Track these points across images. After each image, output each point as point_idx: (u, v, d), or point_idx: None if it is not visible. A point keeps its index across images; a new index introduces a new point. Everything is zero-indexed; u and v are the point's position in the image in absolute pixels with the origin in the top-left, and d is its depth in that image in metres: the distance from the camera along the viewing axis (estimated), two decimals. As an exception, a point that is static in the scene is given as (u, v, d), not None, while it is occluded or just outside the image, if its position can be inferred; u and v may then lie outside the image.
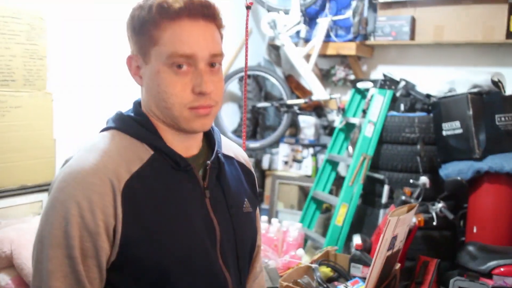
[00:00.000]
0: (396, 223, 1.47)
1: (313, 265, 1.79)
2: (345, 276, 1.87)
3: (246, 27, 1.24)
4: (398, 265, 1.76)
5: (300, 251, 1.91)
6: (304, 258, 1.94)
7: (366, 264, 1.82)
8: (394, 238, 1.53)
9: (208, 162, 1.00)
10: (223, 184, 1.03)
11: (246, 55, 1.21)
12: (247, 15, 1.34)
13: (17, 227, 1.92)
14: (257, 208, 1.18)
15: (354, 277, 1.85)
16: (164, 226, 0.90)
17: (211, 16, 0.92)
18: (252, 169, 1.18)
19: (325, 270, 1.85)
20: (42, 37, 2.17)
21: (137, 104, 1.00)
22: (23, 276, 1.78)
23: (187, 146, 0.99)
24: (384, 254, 1.49)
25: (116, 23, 2.53)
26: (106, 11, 2.52)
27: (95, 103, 2.47)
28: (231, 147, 1.14)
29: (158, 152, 0.94)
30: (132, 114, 0.98)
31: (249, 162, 1.19)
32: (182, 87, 0.89)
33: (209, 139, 1.06)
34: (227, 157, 1.09)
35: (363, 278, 1.77)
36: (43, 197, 2.26)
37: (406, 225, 1.63)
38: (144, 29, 0.90)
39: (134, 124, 0.96)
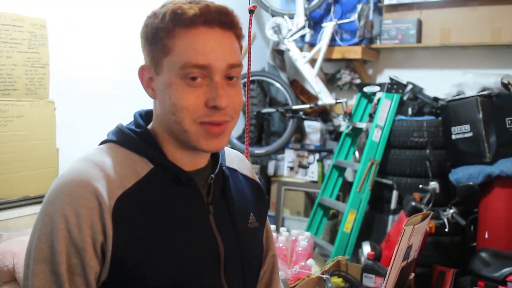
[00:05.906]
0: (412, 232, 1.42)
1: (325, 276, 1.73)
2: (357, 286, 1.81)
3: (249, 32, 1.19)
4: (412, 275, 1.71)
5: (310, 261, 1.85)
6: (314, 268, 1.89)
7: (379, 274, 1.77)
8: (409, 247, 1.48)
9: (212, 175, 0.94)
10: (227, 199, 0.97)
11: (249, 61, 1.15)
12: (250, 19, 1.28)
13: (19, 240, 1.88)
14: (266, 219, 1.12)
15: (367, 287, 1.79)
16: (160, 244, 0.84)
17: (228, 24, 0.85)
18: (258, 180, 1.12)
19: (337, 281, 1.80)
20: (43, 44, 2.13)
21: (138, 116, 0.95)
22: (26, 290, 1.74)
23: (195, 161, 0.94)
24: (399, 265, 1.44)
25: (119, 31, 2.50)
26: (108, 18, 2.48)
27: (98, 110, 2.42)
28: (233, 159, 1.07)
29: (158, 166, 0.88)
30: (132, 127, 0.93)
31: (253, 172, 1.12)
32: (194, 100, 0.83)
33: None
34: (231, 170, 1.03)
35: (376, 289, 1.72)
36: (46, 207, 2.21)
37: (421, 234, 1.57)
38: (157, 38, 0.85)
39: (133, 137, 0.90)
